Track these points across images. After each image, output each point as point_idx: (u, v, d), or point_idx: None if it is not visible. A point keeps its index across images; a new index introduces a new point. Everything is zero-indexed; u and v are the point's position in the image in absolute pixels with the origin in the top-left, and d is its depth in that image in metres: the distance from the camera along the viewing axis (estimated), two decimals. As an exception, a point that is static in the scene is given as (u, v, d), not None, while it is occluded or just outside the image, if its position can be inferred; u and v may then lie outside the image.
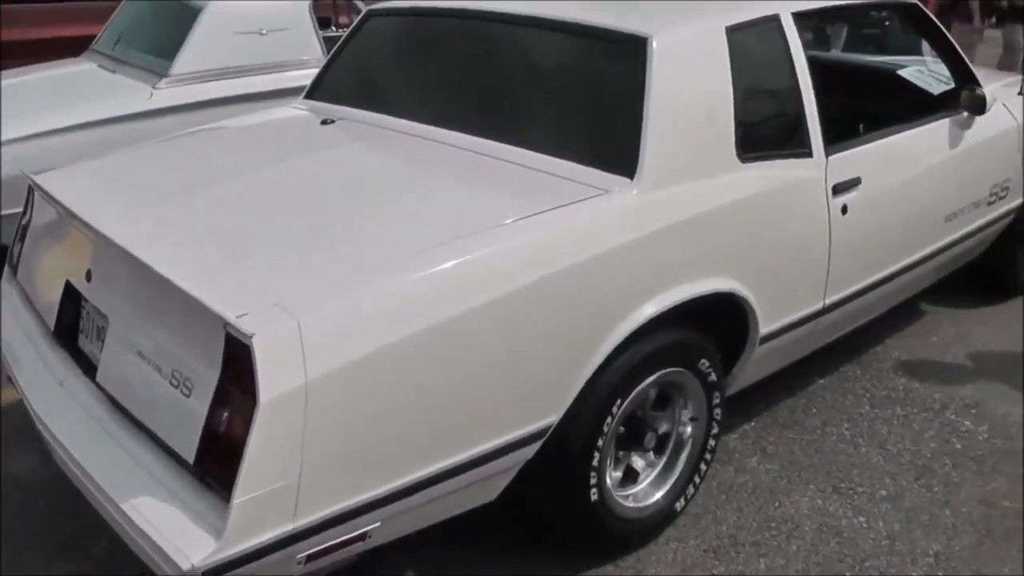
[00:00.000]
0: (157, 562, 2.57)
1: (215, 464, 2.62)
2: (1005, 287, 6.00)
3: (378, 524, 2.82)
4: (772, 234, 3.77)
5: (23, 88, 6.37)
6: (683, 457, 3.75)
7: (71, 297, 3.39)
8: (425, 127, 3.88)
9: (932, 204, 4.67)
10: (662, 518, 3.74)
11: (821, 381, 4.98)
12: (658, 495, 3.70)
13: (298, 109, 4.50)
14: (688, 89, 3.54)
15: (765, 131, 3.86)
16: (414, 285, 2.82)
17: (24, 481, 4.04)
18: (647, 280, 3.29)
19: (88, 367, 3.24)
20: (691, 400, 3.71)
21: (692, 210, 3.43)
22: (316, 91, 4.58)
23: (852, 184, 4.05)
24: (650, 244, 3.29)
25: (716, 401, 3.76)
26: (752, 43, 3.78)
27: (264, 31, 6.63)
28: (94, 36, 7.42)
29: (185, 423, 2.70)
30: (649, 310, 3.28)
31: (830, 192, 3.96)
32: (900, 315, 5.47)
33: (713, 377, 3.69)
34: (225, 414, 2.61)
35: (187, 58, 6.41)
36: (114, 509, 2.73)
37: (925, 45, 5.40)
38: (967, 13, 10.43)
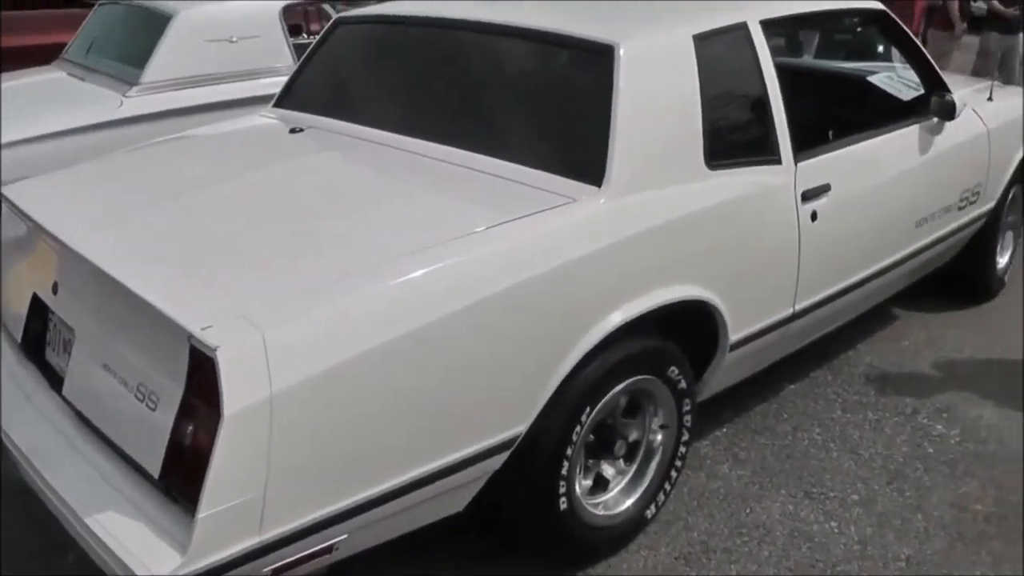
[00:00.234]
0: (122, 577, 2.55)
1: (180, 478, 2.61)
2: (976, 291, 6.04)
3: (345, 536, 2.80)
4: (741, 241, 3.77)
5: (-9, 97, 6.32)
6: (653, 464, 3.74)
7: (38, 309, 3.38)
8: (393, 136, 3.86)
9: (902, 210, 4.69)
10: (632, 525, 3.73)
11: (792, 386, 4.98)
12: (628, 503, 3.69)
13: (267, 117, 4.47)
14: (655, 97, 3.54)
15: (733, 138, 3.86)
16: (380, 297, 2.81)
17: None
18: (615, 288, 3.29)
19: (55, 380, 3.22)
20: (661, 407, 3.70)
21: (660, 218, 3.43)
22: (285, 99, 4.56)
23: (821, 191, 4.06)
24: (618, 252, 3.29)
25: (686, 408, 3.75)
26: (720, 51, 3.77)
27: (234, 38, 6.58)
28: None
29: (150, 437, 2.68)
30: (617, 318, 3.27)
31: (799, 199, 3.96)
32: (872, 320, 5.48)
33: (683, 384, 3.68)
34: (190, 428, 2.59)
35: (157, 66, 6.36)
36: (79, 524, 2.72)
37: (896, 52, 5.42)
38: (946, 20, 10.51)
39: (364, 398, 2.73)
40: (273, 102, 4.60)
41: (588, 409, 3.33)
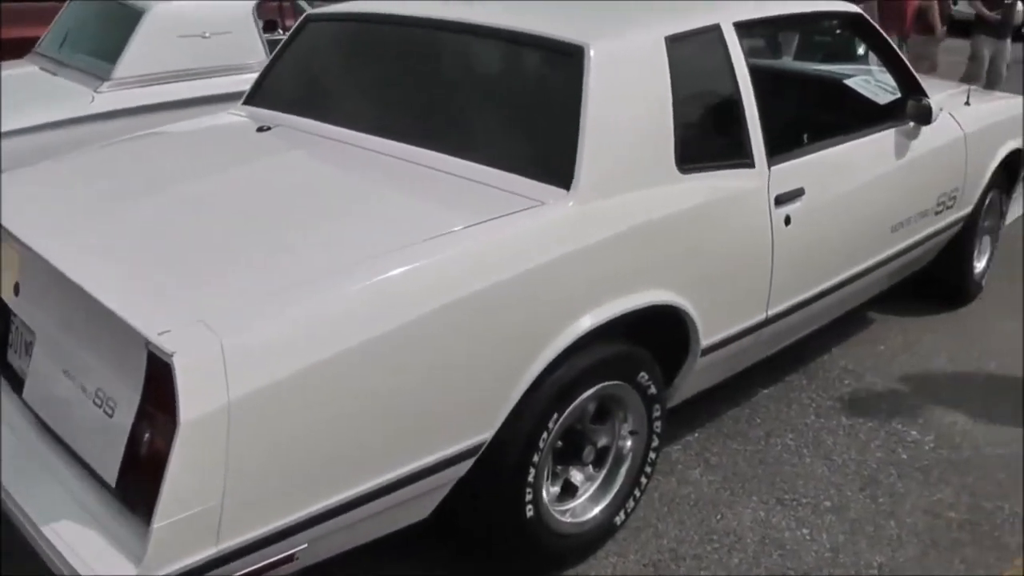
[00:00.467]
0: (76, 588, 2.51)
1: (136, 487, 2.56)
2: (954, 295, 6.04)
3: (306, 545, 2.76)
4: (712, 245, 3.74)
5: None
6: (623, 471, 3.70)
7: (1, 310, 3.32)
8: (360, 135, 3.82)
9: (878, 214, 4.66)
10: (601, 532, 3.69)
11: (766, 391, 4.95)
12: (597, 510, 3.65)
13: (236, 115, 4.43)
14: (626, 99, 3.50)
15: (705, 141, 3.83)
16: (342, 301, 2.77)
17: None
18: (583, 293, 3.25)
19: (17, 383, 3.17)
20: (631, 413, 3.66)
21: (629, 222, 3.39)
22: (255, 97, 4.51)
23: (795, 195, 4.03)
24: (586, 257, 3.25)
25: (656, 414, 3.71)
26: (692, 52, 3.74)
27: (207, 34, 6.51)
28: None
29: (108, 444, 2.64)
30: (586, 323, 3.23)
31: (772, 203, 3.93)
32: (848, 323, 5.45)
33: (653, 390, 3.64)
34: (147, 435, 2.55)
35: (129, 61, 6.28)
36: (35, 532, 2.68)
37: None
38: (925, 24, 10.60)
39: (325, 405, 2.68)
40: (243, 99, 4.56)
41: (556, 415, 3.29)
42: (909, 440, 4.57)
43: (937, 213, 5.15)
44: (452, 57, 3.98)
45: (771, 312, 4.06)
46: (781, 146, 4.07)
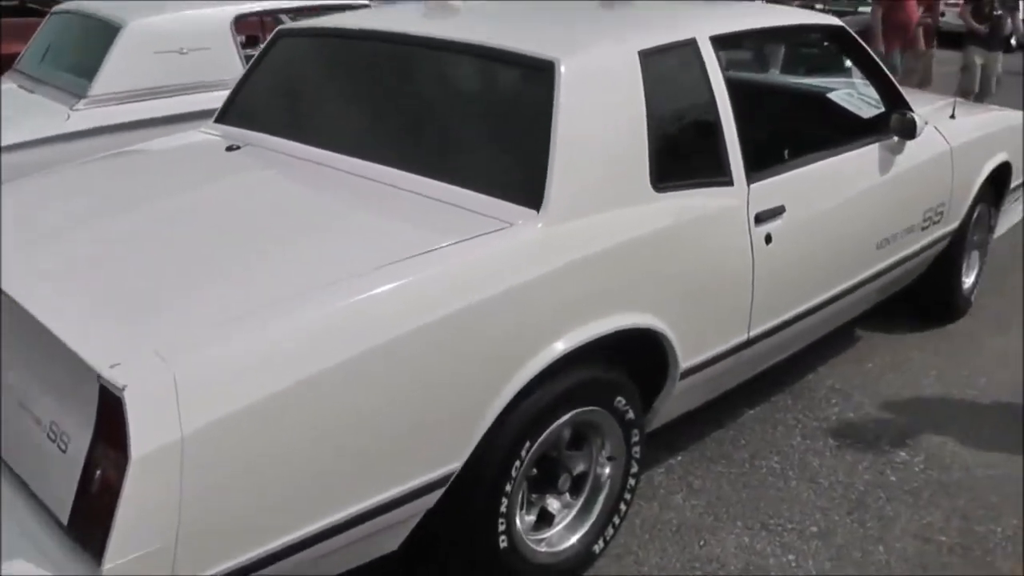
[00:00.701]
0: (25, 633, 2.42)
1: (89, 525, 2.47)
2: (942, 312, 5.98)
3: (264, 584, 2.68)
4: (690, 266, 3.66)
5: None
6: (601, 498, 3.62)
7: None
8: (330, 154, 3.74)
9: (862, 231, 4.59)
10: (579, 562, 3.59)
11: (751, 411, 4.87)
12: (574, 539, 3.56)
13: (207, 134, 4.35)
14: (598, 116, 3.43)
15: (681, 159, 3.74)
16: (303, 329, 2.69)
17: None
18: (556, 317, 3.16)
19: (-25, 414, 3.08)
20: (608, 439, 3.58)
21: (602, 243, 3.31)
22: (226, 115, 4.43)
23: (776, 212, 3.95)
24: (558, 279, 3.16)
25: (635, 439, 3.63)
26: (667, 68, 3.68)
27: (184, 50, 6.45)
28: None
29: (61, 481, 2.55)
30: (559, 348, 3.14)
31: (752, 221, 3.85)
32: (834, 341, 5.38)
33: (631, 415, 3.56)
34: (99, 471, 2.46)
35: (106, 78, 6.22)
36: (-16, 572, 2.59)
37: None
38: (914, 38, 10.75)
39: (283, 438, 2.59)
40: (215, 117, 4.48)
41: (528, 443, 3.21)
42: (898, 462, 4.48)
43: (923, 229, 5.07)
44: (423, 74, 3.91)
45: (752, 333, 3.97)
46: (761, 162, 4.00)
